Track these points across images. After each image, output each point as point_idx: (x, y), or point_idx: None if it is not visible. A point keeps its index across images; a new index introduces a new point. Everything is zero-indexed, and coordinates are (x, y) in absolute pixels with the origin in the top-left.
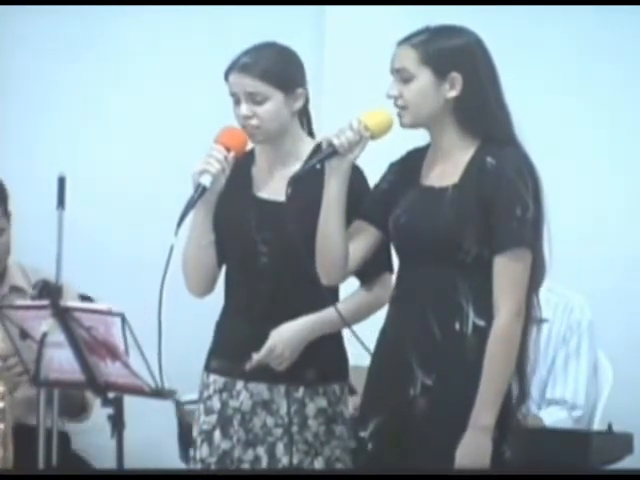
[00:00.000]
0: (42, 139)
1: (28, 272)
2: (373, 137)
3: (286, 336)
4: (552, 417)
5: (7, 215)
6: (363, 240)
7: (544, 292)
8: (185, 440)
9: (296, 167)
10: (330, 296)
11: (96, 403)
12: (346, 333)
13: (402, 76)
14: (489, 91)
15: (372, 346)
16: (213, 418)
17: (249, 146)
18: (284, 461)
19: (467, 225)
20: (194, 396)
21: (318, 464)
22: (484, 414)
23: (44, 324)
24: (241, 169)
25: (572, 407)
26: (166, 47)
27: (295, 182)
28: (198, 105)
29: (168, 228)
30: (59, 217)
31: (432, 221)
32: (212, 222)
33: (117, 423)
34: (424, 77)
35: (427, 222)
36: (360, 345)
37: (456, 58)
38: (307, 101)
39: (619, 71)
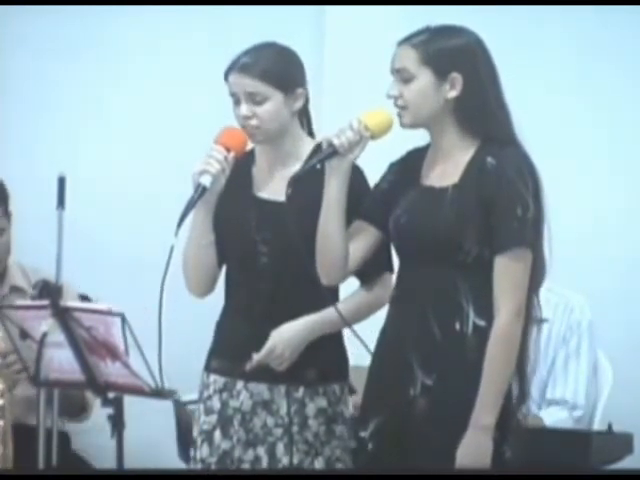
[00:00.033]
0: (42, 139)
1: (28, 272)
2: (373, 137)
3: (286, 336)
4: (553, 417)
5: (7, 215)
6: (363, 240)
7: (544, 292)
8: (184, 439)
9: (296, 167)
10: (330, 296)
11: (96, 403)
12: (346, 333)
13: (402, 76)
14: (489, 91)
15: (372, 346)
16: (213, 418)
17: (249, 146)
18: (284, 461)
19: (467, 225)
20: (194, 396)
21: (318, 464)
22: (484, 414)
23: (44, 324)
24: (241, 169)
25: (573, 407)
26: (166, 47)
27: (295, 182)
28: (198, 105)
29: (168, 228)
30: (59, 217)
31: (432, 221)
32: (212, 222)
33: (117, 423)
34: (424, 77)
35: (427, 222)
36: (360, 345)
37: (456, 58)
38: (307, 101)
39: (619, 71)
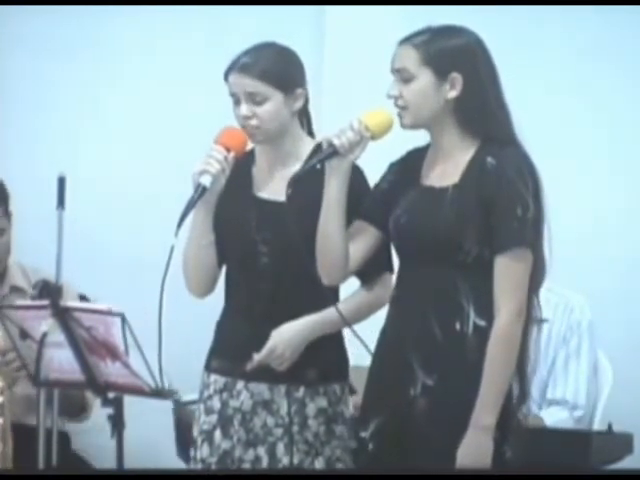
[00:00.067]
0: (41, 139)
1: (28, 272)
2: (374, 137)
3: (287, 336)
4: (553, 417)
5: (8, 215)
6: (363, 240)
7: (544, 292)
8: (183, 439)
9: (296, 167)
10: (331, 296)
11: (96, 403)
12: (347, 333)
13: (403, 76)
14: (489, 91)
15: (372, 346)
16: (213, 418)
17: (249, 146)
18: (284, 461)
19: (467, 225)
20: (194, 396)
21: (319, 464)
22: (485, 414)
23: (44, 324)
24: (241, 169)
25: (573, 407)
26: (165, 47)
27: (295, 182)
28: (198, 105)
29: (168, 228)
30: (59, 217)
31: (432, 221)
32: (212, 222)
33: (117, 423)
34: (425, 77)
35: (427, 222)
36: (361, 345)
37: (457, 59)
38: (307, 101)
39: (619, 71)
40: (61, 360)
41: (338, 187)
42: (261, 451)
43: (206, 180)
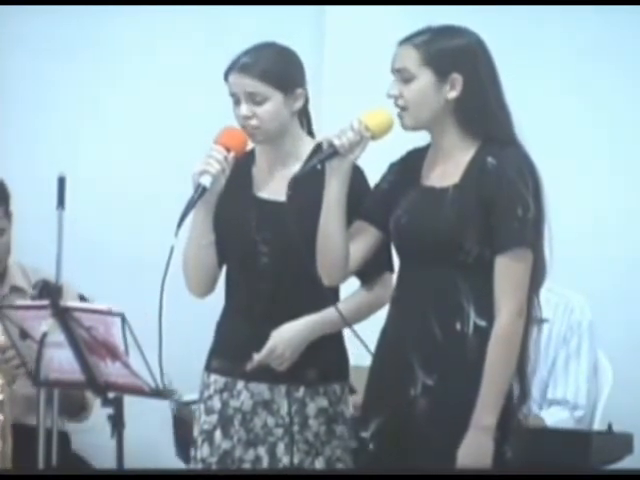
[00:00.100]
0: (42, 139)
1: (28, 272)
2: (374, 137)
3: (287, 336)
4: (554, 417)
5: (8, 215)
6: (364, 240)
7: (544, 292)
8: (182, 439)
9: (296, 167)
10: (331, 296)
11: (96, 403)
12: (347, 333)
13: (403, 76)
14: (490, 92)
15: (372, 346)
16: (214, 418)
17: (249, 146)
18: (285, 461)
19: (468, 225)
20: (194, 396)
21: (319, 464)
22: (485, 414)
23: (44, 324)
24: (241, 169)
25: (574, 407)
26: (164, 47)
27: (296, 183)
28: (198, 105)
29: (168, 228)
30: (59, 217)
31: (433, 221)
32: (212, 222)
33: (117, 423)
34: (425, 77)
35: (428, 222)
36: (361, 345)
37: (457, 59)
38: (307, 101)
39: (619, 71)
40: (61, 360)
41: (338, 187)
42: (261, 451)
43: (206, 180)
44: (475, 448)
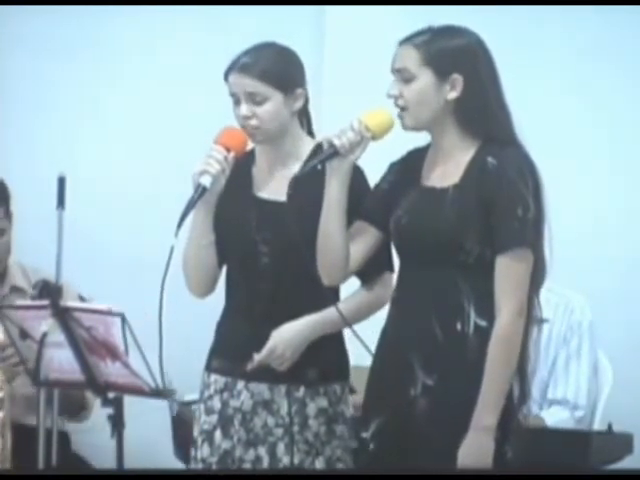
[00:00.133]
0: (42, 139)
1: (28, 272)
2: (374, 138)
3: (287, 336)
4: (554, 417)
5: (9, 216)
6: (364, 241)
7: (544, 292)
8: (182, 439)
9: (296, 167)
10: (331, 296)
11: (96, 403)
12: (347, 333)
13: (403, 76)
14: (490, 92)
15: (373, 346)
16: (214, 418)
17: (249, 146)
18: (285, 461)
19: (468, 225)
20: (194, 396)
21: (319, 464)
22: (486, 414)
23: (44, 324)
24: (241, 169)
25: (574, 407)
26: (165, 47)
27: (296, 182)
28: (197, 105)
29: (168, 228)
30: (59, 217)
31: (433, 222)
32: (212, 222)
33: (117, 423)
34: (425, 78)
35: (428, 223)
36: (361, 345)
37: (457, 59)
38: (307, 101)
39: (619, 71)
40: (61, 360)
41: (339, 187)
42: (262, 451)
43: (206, 180)
44: (476, 448)
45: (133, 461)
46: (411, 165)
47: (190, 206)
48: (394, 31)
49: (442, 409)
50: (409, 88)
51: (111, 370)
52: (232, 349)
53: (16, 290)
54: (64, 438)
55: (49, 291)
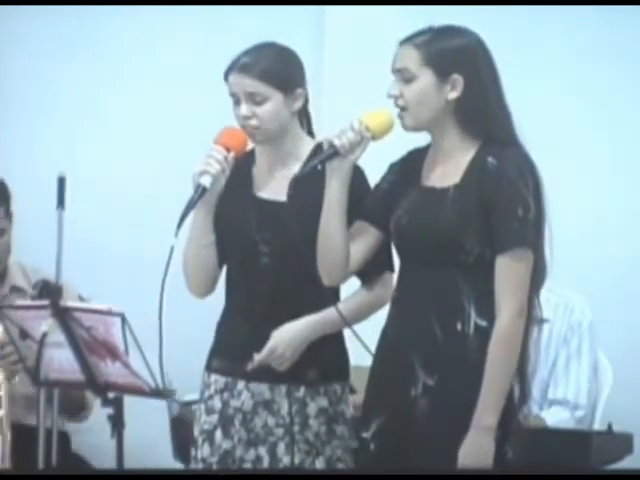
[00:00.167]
0: (42, 139)
1: (28, 272)
2: (374, 138)
3: (287, 336)
4: (555, 417)
5: (9, 216)
6: (364, 241)
7: (545, 292)
8: (180, 439)
9: (296, 167)
10: (331, 296)
11: (96, 403)
12: (347, 333)
13: (403, 76)
14: (490, 92)
15: (373, 346)
16: (214, 418)
17: (249, 146)
18: (285, 461)
19: (469, 225)
20: (194, 396)
21: (319, 464)
22: (486, 414)
23: (44, 324)
24: (241, 169)
25: (574, 407)
26: (165, 47)
27: (296, 183)
28: (197, 105)
29: (168, 228)
30: (59, 217)
31: (434, 222)
32: (212, 222)
33: (117, 423)
34: (425, 78)
35: (429, 223)
36: (361, 345)
37: (458, 59)
38: (307, 101)
39: (619, 71)
40: (61, 360)
41: (339, 187)
42: (262, 451)
43: (206, 180)
44: (476, 448)
45: (133, 461)
46: (411, 165)
47: (190, 206)
48: (394, 31)
49: (442, 409)
50: (409, 88)
51: (111, 370)
52: (232, 349)
53: (16, 290)
54: (64, 438)
55: (49, 291)
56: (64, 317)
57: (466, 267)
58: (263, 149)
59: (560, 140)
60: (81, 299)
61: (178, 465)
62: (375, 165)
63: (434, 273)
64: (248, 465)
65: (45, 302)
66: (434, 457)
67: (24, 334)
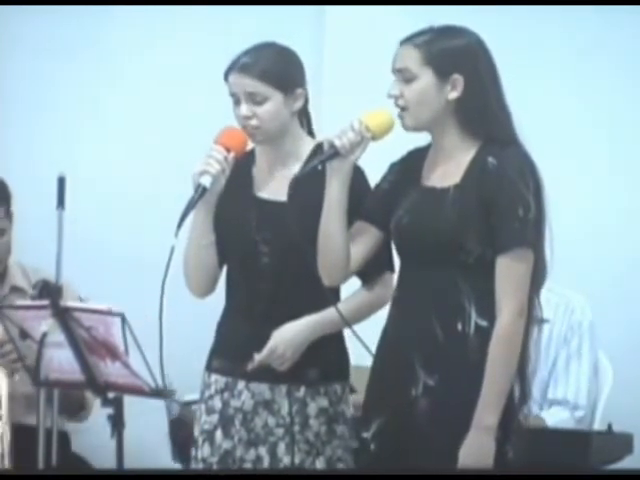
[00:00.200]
0: (42, 139)
1: (28, 272)
2: (374, 138)
3: (288, 336)
4: (555, 417)
5: (9, 215)
6: (364, 241)
7: (545, 292)
8: (180, 440)
9: (296, 167)
10: (331, 296)
11: (96, 403)
12: (347, 333)
13: (404, 76)
14: (490, 92)
15: (373, 346)
16: (214, 418)
17: (249, 146)
18: (286, 461)
19: (469, 225)
20: (195, 396)
21: (320, 464)
22: (487, 414)
23: (44, 324)
24: (241, 169)
25: (574, 407)
26: (165, 47)
27: (297, 183)
28: (197, 105)
29: (168, 228)
30: (59, 217)
31: (434, 222)
32: (212, 222)
33: (117, 423)
34: (426, 78)
35: (429, 223)
36: (361, 345)
37: (458, 59)
38: (307, 101)
39: (619, 71)
40: (61, 360)
41: (339, 188)
42: (262, 451)
43: (206, 180)
44: (477, 448)
45: (133, 461)
46: (411, 165)
47: (190, 206)
48: (394, 31)
49: (443, 409)
50: (410, 88)
51: (111, 370)
52: (232, 349)
53: (16, 290)
54: (64, 438)
55: (49, 291)
56: (64, 317)
57: (466, 267)
58: (263, 149)
59: (560, 140)
60: (80, 299)
61: (178, 465)
62: (375, 165)
63: (434, 273)
64: (248, 465)
65: (45, 302)
66: (434, 457)
67: (24, 334)
